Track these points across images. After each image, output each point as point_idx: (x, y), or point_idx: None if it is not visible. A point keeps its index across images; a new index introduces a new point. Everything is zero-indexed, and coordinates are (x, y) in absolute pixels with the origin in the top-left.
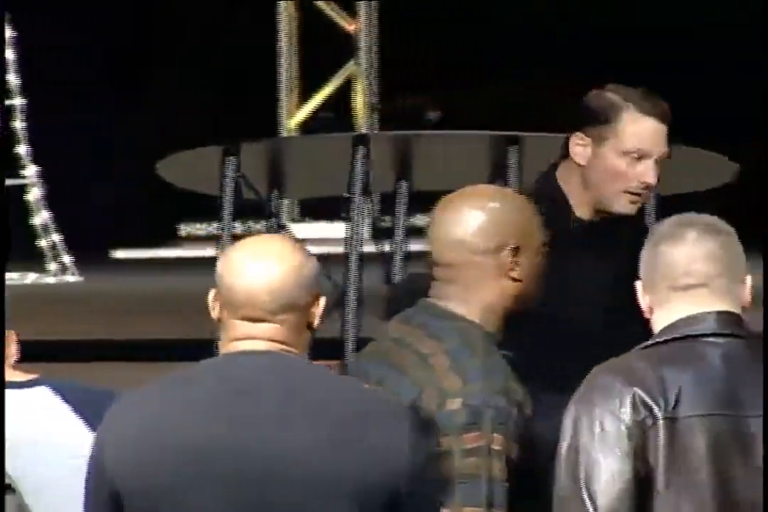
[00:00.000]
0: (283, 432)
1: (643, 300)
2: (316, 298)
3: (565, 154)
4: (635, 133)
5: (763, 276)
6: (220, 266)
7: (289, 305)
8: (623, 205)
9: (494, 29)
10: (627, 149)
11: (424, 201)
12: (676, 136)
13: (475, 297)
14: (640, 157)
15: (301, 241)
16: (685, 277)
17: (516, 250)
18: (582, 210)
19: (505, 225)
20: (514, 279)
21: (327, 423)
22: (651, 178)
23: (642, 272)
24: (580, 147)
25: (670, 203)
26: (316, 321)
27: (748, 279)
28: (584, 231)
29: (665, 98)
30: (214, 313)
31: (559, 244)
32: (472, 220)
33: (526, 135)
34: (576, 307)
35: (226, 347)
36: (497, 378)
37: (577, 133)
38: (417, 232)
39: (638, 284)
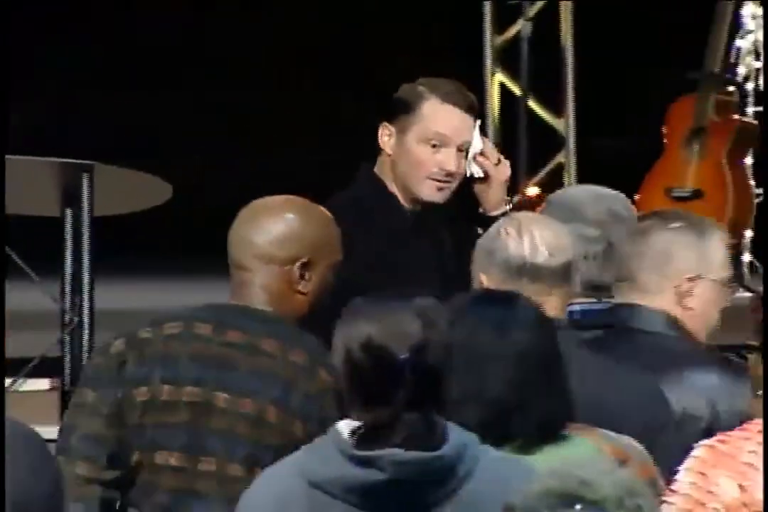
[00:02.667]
0: None
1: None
2: None
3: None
4: (435, 120)
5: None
6: None
7: None
8: (430, 192)
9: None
10: (427, 137)
11: None
12: None
13: (274, 302)
14: (441, 145)
15: None
16: None
17: (306, 265)
18: (403, 199)
19: (299, 238)
20: (301, 293)
21: None
22: (451, 166)
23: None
24: (386, 136)
25: None
26: None
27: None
28: (413, 219)
29: None
30: None
31: (391, 234)
32: (270, 229)
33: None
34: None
35: None
36: None
37: (384, 124)
38: None
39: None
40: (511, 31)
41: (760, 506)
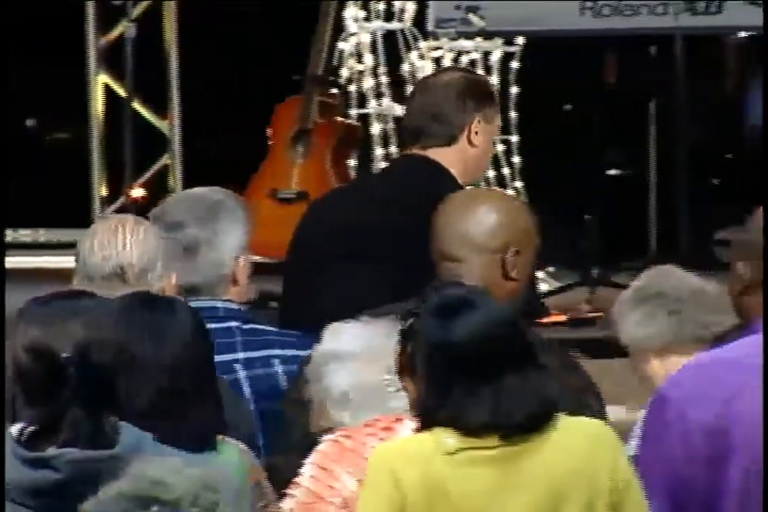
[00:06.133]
0: None
1: None
2: None
3: (441, 143)
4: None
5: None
6: None
7: None
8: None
9: None
10: (498, 124)
11: None
12: None
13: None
14: None
15: None
16: None
17: (517, 252)
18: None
19: (510, 226)
20: (512, 279)
21: None
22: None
23: None
24: (477, 129)
25: None
26: None
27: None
28: None
29: None
30: None
31: None
32: (484, 219)
33: None
34: None
35: None
36: None
37: (478, 118)
38: None
39: None
40: (115, 32)
41: None
